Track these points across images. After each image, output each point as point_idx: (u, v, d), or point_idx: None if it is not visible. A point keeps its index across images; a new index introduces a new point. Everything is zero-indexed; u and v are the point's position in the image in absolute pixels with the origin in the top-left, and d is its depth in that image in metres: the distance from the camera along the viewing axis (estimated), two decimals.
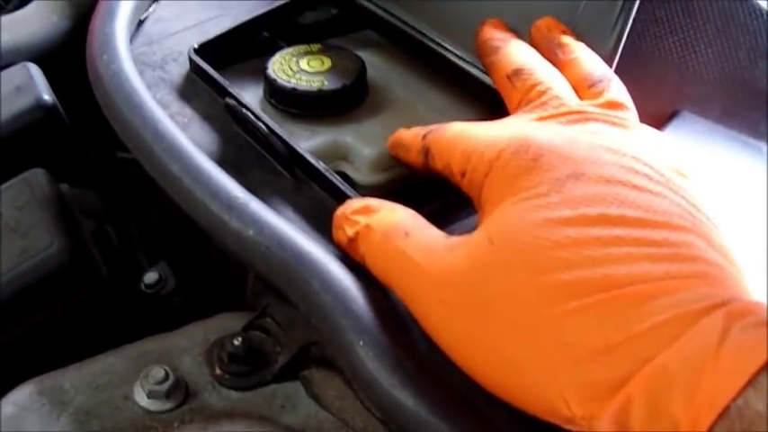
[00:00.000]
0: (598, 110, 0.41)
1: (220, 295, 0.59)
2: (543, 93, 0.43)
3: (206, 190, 0.44)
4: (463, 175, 0.41)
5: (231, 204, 0.43)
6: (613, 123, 0.40)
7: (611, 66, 0.47)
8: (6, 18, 0.85)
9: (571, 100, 0.42)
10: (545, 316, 0.33)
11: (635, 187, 0.35)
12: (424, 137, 0.45)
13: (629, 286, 0.32)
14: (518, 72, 0.45)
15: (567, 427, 0.32)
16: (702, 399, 0.27)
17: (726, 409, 0.27)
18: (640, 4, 0.51)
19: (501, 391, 0.35)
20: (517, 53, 0.47)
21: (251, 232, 0.42)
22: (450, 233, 0.41)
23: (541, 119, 0.41)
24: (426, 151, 0.44)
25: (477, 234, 0.37)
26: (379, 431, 0.43)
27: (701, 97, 0.56)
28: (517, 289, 0.34)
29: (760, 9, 0.55)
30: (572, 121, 0.40)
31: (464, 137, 0.42)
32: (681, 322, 0.30)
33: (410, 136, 0.47)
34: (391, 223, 0.40)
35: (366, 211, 0.42)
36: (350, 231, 0.42)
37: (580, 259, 0.33)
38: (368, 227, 0.41)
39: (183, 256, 0.66)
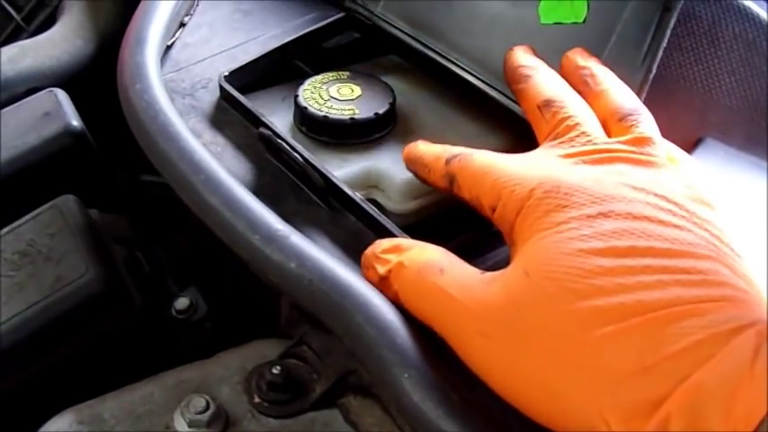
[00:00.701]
0: (625, 147, 0.42)
1: (252, 321, 0.60)
2: (572, 128, 0.44)
3: (246, 223, 0.45)
4: (493, 210, 0.42)
5: (272, 237, 0.44)
6: (639, 162, 0.41)
7: (640, 97, 0.48)
8: (31, 42, 0.86)
9: (599, 136, 0.43)
10: (582, 342, 0.34)
11: (661, 222, 0.37)
12: (448, 162, 0.46)
13: (662, 310, 0.33)
14: (548, 103, 0.46)
15: None
16: (739, 414, 0.29)
17: (761, 423, 0.28)
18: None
19: (542, 417, 0.36)
20: (547, 83, 0.48)
21: (293, 265, 0.42)
22: (483, 262, 0.41)
23: (569, 156, 0.42)
24: (451, 179, 0.45)
25: (512, 268, 0.39)
26: None
27: (724, 125, 0.57)
28: (555, 318, 0.35)
29: None
30: (599, 160, 0.41)
31: (493, 171, 0.43)
32: (714, 342, 0.32)
33: (432, 157, 0.48)
34: (425, 261, 0.42)
35: (397, 249, 0.43)
36: (382, 270, 0.43)
37: (613, 287, 0.35)
38: (401, 264, 0.42)
39: (212, 282, 0.67)
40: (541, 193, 0.39)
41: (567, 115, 0.45)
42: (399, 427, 0.45)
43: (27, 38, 1.01)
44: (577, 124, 0.44)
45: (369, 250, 0.45)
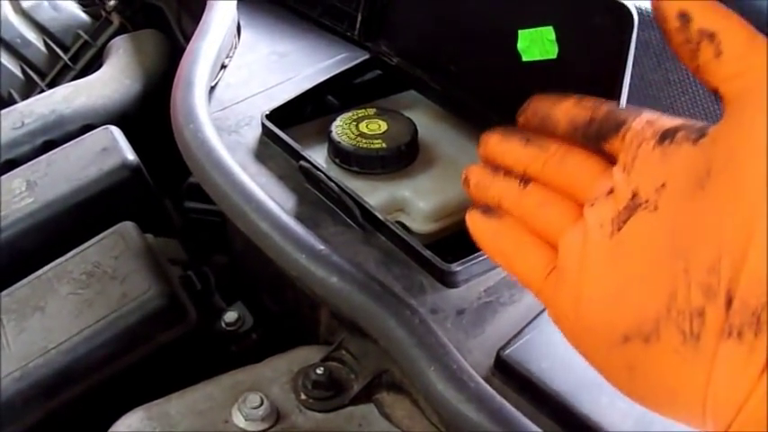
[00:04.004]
0: None
1: (293, 331, 0.68)
2: None
3: (294, 244, 0.52)
4: None
5: (316, 255, 0.51)
6: None
7: None
8: (84, 81, 0.95)
9: None
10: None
11: None
12: None
13: None
14: None
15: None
16: None
17: None
18: (655, 67, 0.60)
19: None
20: None
21: (334, 279, 0.50)
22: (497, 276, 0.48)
23: None
24: None
25: None
26: None
27: None
28: None
29: None
30: None
31: None
32: None
33: None
34: None
35: None
36: None
37: None
38: None
39: (253, 297, 0.74)
40: None
41: None
42: (427, 418, 0.52)
43: (74, 76, 1.10)
44: None
45: None
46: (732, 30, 0.31)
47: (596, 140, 0.38)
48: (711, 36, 0.31)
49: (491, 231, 0.42)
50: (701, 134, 0.32)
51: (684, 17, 0.32)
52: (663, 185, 0.33)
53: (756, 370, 0.27)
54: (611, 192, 0.36)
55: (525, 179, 0.42)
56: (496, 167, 0.44)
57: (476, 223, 0.43)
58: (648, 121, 0.36)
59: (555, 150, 0.41)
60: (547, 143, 0.41)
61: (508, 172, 0.43)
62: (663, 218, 0.32)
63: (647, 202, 0.33)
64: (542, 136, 0.42)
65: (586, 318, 0.35)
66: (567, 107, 0.41)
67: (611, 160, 0.38)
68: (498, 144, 0.44)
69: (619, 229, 0.34)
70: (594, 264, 0.35)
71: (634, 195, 0.34)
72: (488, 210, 0.43)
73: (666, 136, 0.34)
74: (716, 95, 0.31)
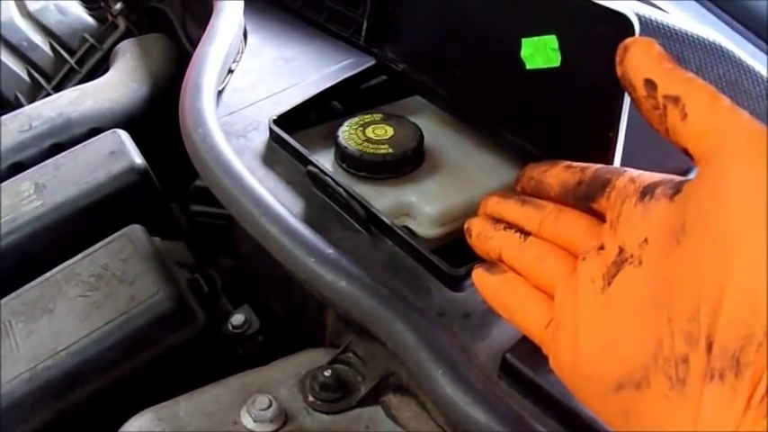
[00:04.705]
0: None
1: (299, 334, 0.68)
2: None
3: (303, 248, 0.53)
4: None
5: (325, 259, 0.52)
6: None
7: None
8: (90, 85, 0.96)
9: None
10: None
11: None
12: None
13: None
14: None
15: None
16: None
17: None
18: None
19: None
20: None
21: (343, 283, 0.51)
22: None
23: None
24: None
25: None
26: None
27: None
28: None
29: (762, 77, 0.64)
30: None
31: None
32: None
33: None
34: None
35: None
36: None
37: None
38: None
39: (259, 300, 0.75)
40: None
41: None
42: (434, 420, 0.53)
43: (80, 80, 1.11)
44: None
45: None
46: (695, 93, 0.34)
47: (585, 200, 0.43)
48: (676, 100, 0.34)
49: (494, 287, 0.46)
50: (677, 190, 0.34)
51: (650, 84, 0.35)
52: (645, 240, 0.35)
53: (739, 409, 0.29)
54: (601, 248, 0.39)
55: (524, 232, 0.46)
56: (497, 221, 0.49)
57: (481, 280, 0.47)
58: (631, 178, 0.39)
59: (550, 210, 0.45)
60: (542, 203, 0.46)
61: (509, 226, 0.47)
62: (647, 271, 0.35)
63: (632, 256, 0.36)
64: (536, 199, 0.47)
65: (583, 367, 0.38)
66: (557, 172, 0.46)
67: (601, 218, 0.41)
68: (497, 204, 0.50)
69: (609, 284, 0.37)
70: (587, 316, 0.38)
71: (621, 251, 0.37)
72: (491, 267, 0.47)
73: (646, 192, 0.36)
74: (687, 154, 0.34)
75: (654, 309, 0.33)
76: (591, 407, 0.38)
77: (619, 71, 0.37)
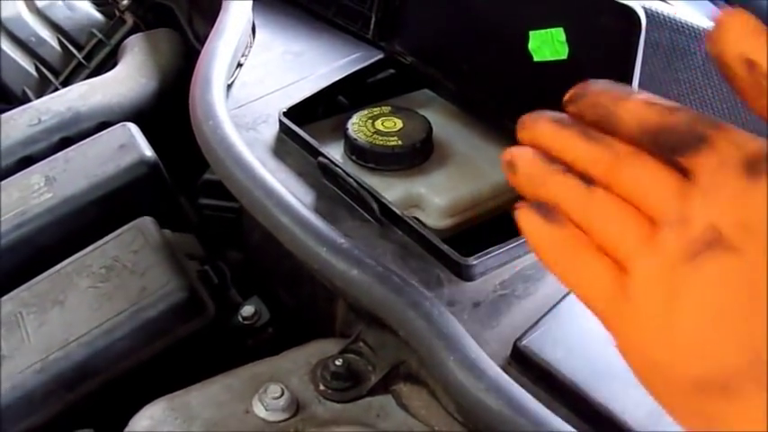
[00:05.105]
0: None
1: (308, 324, 0.69)
2: None
3: (315, 238, 0.53)
4: None
5: (337, 249, 0.53)
6: None
7: None
8: (99, 80, 0.96)
9: None
10: None
11: None
12: None
13: None
14: None
15: None
16: None
17: None
18: (664, 66, 0.61)
19: None
20: None
21: (355, 272, 0.51)
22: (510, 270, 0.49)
23: None
24: None
25: None
26: None
27: None
28: None
29: None
30: None
31: None
32: None
33: None
34: None
35: None
36: None
37: None
38: None
39: (267, 291, 0.75)
40: None
41: None
42: (444, 408, 0.53)
43: (88, 75, 1.11)
44: None
45: None
46: None
47: (670, 151, 0.34)
48: None
49: (551, 240, 0.37)
50: None
51: (750, 63, 0.30)
52: (746, 226, 0.30)
53: None
54: (685, 218, 0.32)
55: (588, 180, 0.36)
56: (552, 159, 0.38)
57: (532, 226, 0.36)
58: (734, 142, 0.31)
59: (625, 153, 0.35)
60: (612, 142, 0.36)
61: (568, 168, 0.37)
62: (746, 264, 0.30)
63: (727, 239, 0.30)
64: (601, 133, 0.37)
65: (660, 357, 0.32)
66: (635, 106, 0.35)
67: (685, 174, 0.33)
68: (551, 131, 0.38)
69: (697, 264, 0.31)
70: (682, 301, 0.32)
71: (713, 229, 0.31)
72: (547, 212, 0.37)
73: (754, 167, 0.30)
74: None
75: (751, 309, 0.29)
76: (660, 400, 0.33)
77: (713, 50, 0.31)
